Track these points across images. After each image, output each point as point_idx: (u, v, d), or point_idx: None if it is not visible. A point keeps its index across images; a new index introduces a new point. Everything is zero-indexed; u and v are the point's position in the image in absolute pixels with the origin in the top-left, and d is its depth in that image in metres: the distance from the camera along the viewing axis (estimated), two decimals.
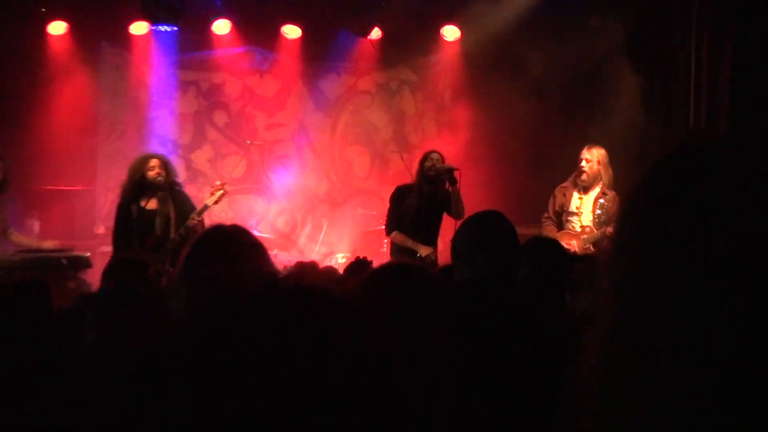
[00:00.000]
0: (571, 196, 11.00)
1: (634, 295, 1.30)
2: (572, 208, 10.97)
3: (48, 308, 5.32)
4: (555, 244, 6.52)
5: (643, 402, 1.27)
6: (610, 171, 10.99)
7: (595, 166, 10.90)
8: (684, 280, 1.24)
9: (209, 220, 11.25)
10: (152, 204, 10.83)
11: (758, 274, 1.21)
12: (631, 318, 1.30)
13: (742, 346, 1.21)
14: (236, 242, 3.74)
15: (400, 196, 11.27)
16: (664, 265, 1.27)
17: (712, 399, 1.21)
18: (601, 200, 10.87)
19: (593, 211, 10.89)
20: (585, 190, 10.92)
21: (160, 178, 10.80)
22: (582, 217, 10.94)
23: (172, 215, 10.80)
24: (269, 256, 3.84)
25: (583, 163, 10.89)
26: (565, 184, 11.16)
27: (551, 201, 11.18)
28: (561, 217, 11.01)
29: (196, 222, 10.78)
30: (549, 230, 10.98)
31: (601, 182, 10.93)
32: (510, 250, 4.91)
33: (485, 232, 4.92)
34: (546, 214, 11.13)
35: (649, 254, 1.29)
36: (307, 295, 1.59)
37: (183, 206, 10.92)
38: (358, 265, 8.10)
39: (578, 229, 10.92)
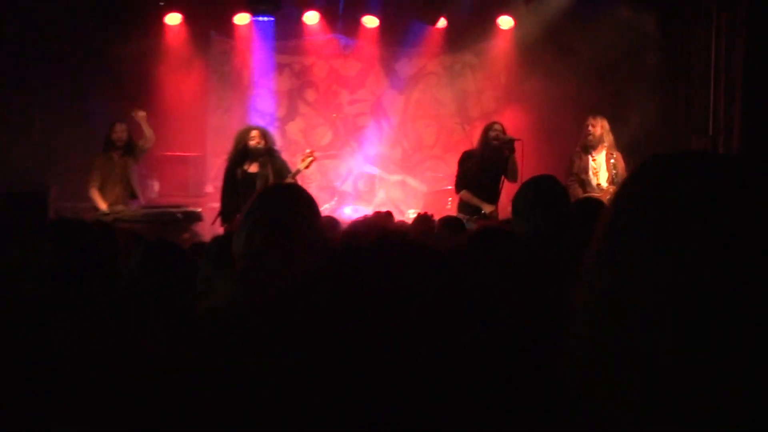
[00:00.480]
0: (586, 159, 11.12)
1: (632, 295, 1.19)
2: (590, 168, 11.06)
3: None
4: (599, 205, 6.46)
5: (639, 404, 1.17)
6: (611, 136, 11.22)
7: (599, 131, 11.10)
8: (684, 279, 1.15)
9: (301, 181, 11.29)
10: (254, 168, 10.90)
11: (758, 274, 1.12)
12: (628, 318, 1.18)
13: (742, 346, 1.12)
14: (291, 196, 3.69)
15: (466, 160, 11.32)
16: (664, 264, 1.16)
17: (713, 399, 1.12)
18: (612, 160, 11.08)
19: (608, 170, 11.04)
20: (594, 150, 11.04)
21: (259, 146, 10.86)
22: (599, 176, 11.04)
23: (271, 177, 10.84)
24: (318, 210, 3.78)
25: (590, 128, 11.13)
26: (577, 149, 11.28)
27: (571, 164, 11.27)
28: (581, 177, 11.05)
29: (290, 183, 10.82)
30: (575, 190, 11.00)
31: (606, 144, 11.12)
32: (562, 209, 4.89)
33: (541, 193, 4.92)
34: (570, 178, 11.11)
35: (649, 254, 1.18)
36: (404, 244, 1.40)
37: (280, 170, 10.97)
38: (423, 219, 8.12)
39: (594, 186, 10.99)
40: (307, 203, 3.69)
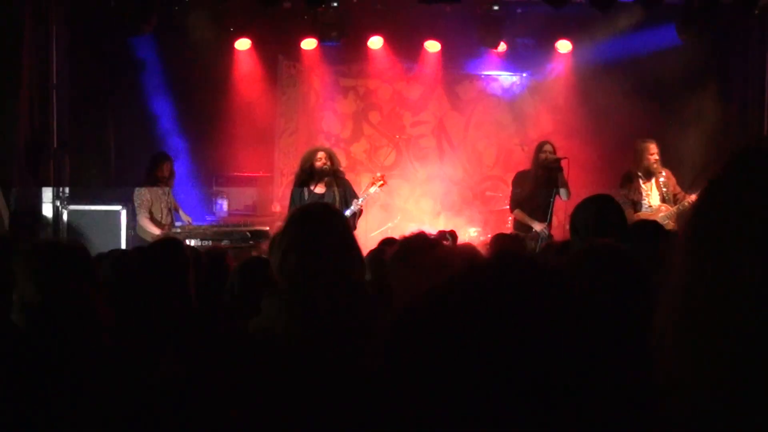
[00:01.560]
0: (638, 183, 11.12)
1: (715, 262, 1.23)
2: (642, 190, 11.08)
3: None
4: (657, 225, 6.53)
5: (715, 358, 1.20)
6: None
7: (658, 156, 11.20)
8: (761, 254, 1.19)
9: (366, 200, 11.48)
10: (320, 188, 11.04)
11: None
12: (713, 279, 1.23)
13: None
14: (323, 216, 3.81)
15: (519, 180, 11.48)
16: (745, 242, 1.21)
17: None
18: (661, 179, 11.11)
19: (658, 188, 11.09)
20: (649, 176, 11.08)
21: (326, 167, 10.99)
22: (650, 198, 11.09)
23: (337, 198, 10.96)
24: (351, 229, 3.85)
25: (653, 155, 11.20)
26: (629, 173, 11.27)
27: (622, 187, 11.25)
28: (632, 199, 11.06)
29: (359, 206, 10.96)
30: (627, 212, 11.07)
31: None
32: (618, 227, 4.96)
33: (598, 212, 4.98)
34: (623, 199, 11.16)
35: (733, 233, 1.23)
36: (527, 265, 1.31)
37: (345, 191, 11.10)
38: (503, 237, 8.24)
39: (647, 208, 11.02)
40: (339, 223, 3.81)
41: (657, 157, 11.19)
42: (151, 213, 12.18)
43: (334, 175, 11.11)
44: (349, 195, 11.10)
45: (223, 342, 3.52)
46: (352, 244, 3.73)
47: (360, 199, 11.07)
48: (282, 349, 3.33)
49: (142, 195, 12.23)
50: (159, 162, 12.39)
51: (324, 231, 3.69)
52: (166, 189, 12.41)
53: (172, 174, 12.51)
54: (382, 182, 11.43)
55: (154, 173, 12.31)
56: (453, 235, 9.73)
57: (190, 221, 12.56)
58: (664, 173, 11.21)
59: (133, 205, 12.45)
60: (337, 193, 11.01)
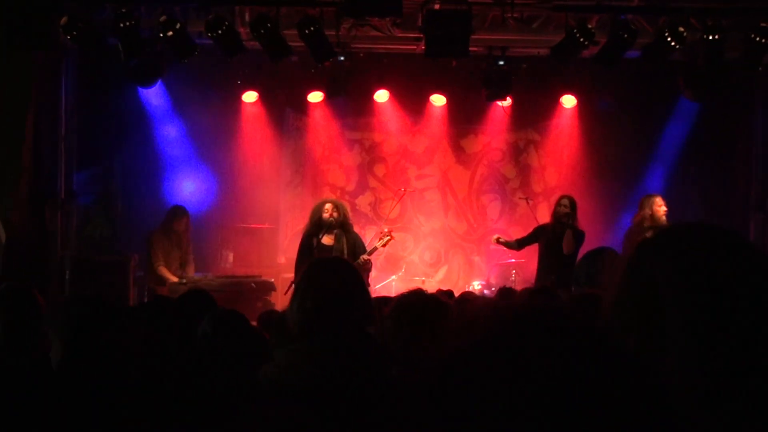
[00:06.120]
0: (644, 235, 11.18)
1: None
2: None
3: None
4: None
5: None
6: None
7: (666, 209, 11.26)
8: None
9: (374, 257, 11.58)
10: (328, 240, 11.06)
11: None
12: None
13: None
14: (337, 269, 3.93)
15: (537, 230, 11.64)
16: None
17: None
18: None
19: None
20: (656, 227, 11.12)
21: (332, 219, 11.05)
22: None
23: (345, 250, 10.99)
24: (363, 280, 4.03)
25: (663, 208, 11.27)
26: (635, 228, 11.36)
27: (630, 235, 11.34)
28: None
29: (366, 260, 10.99)
30: None
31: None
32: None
33: (590, 265, 5.05)
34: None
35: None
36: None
37: (354, 244, 11.13)
38: (507, 291, 8.31)
39: None
40: (352, 275, 3.91)
41: (665, 209, 11.17)
42: (165, 261, 12.24)
43: (341, 227, 11.15)
44: (357, 247, 11.14)
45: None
46: (365, 295, 3.84)
47: (367, 252, 11.13)
48: (297, 399, 3.43)
49: (158, 242, 12.28)
50: (177, 215, 12.47)
51: (338, 282, 3.79)
52: (181, 243, 12.48)
53: (187, 229, 12.57)
54: (389, 237, 11.50)
55: (171, 225, 12.39)
56: (451, 293, 9.71)
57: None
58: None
59: (142, 253, 12.56)
60: (345, 244, 11.05)
